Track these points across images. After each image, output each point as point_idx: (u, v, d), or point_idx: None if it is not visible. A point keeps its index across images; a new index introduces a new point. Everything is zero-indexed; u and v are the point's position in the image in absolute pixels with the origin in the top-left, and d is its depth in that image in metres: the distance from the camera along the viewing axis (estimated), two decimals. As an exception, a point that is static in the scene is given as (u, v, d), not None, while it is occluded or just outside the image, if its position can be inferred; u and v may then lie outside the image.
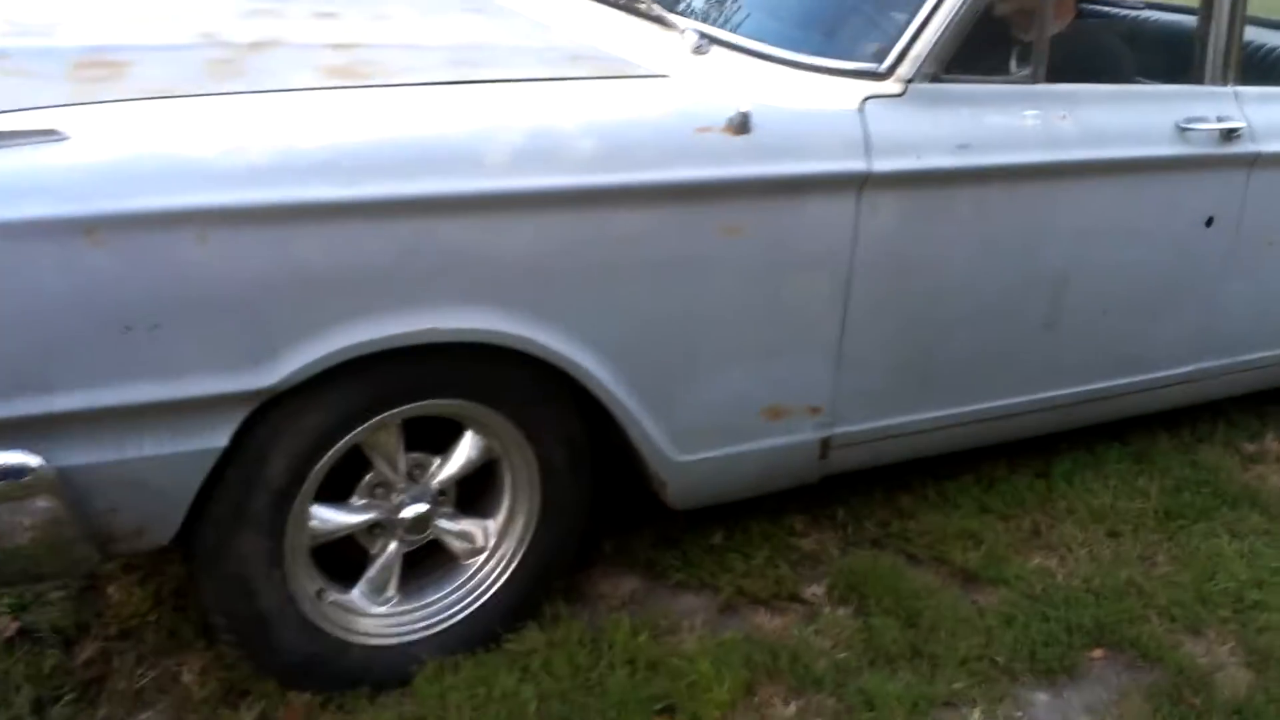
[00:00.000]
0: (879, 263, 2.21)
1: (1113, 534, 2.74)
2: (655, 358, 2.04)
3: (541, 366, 1.93)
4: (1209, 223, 2.64)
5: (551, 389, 1.99)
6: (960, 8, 2.21)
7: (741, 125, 2.00)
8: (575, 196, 1.86)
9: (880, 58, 2.19)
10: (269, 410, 1.74)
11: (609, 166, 1.88)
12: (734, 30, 2.33)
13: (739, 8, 2.44)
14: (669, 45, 2.27)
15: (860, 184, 2.12)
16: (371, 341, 1.73)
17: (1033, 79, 2.37)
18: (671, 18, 2.33)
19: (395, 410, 1.86)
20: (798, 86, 2.16)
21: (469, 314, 1.81)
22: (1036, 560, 2.61)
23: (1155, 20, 3.51)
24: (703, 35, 2.26)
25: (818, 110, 2.11)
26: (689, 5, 2.48)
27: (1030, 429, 2.73)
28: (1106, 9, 3.56)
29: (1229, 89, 2.65)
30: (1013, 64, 2.44)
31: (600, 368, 1.97)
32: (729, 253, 2.04)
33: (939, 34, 2.20)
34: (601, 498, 2.30)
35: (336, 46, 2.05)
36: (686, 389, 2.11)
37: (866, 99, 2.16)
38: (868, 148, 2.12)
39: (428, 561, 2.11)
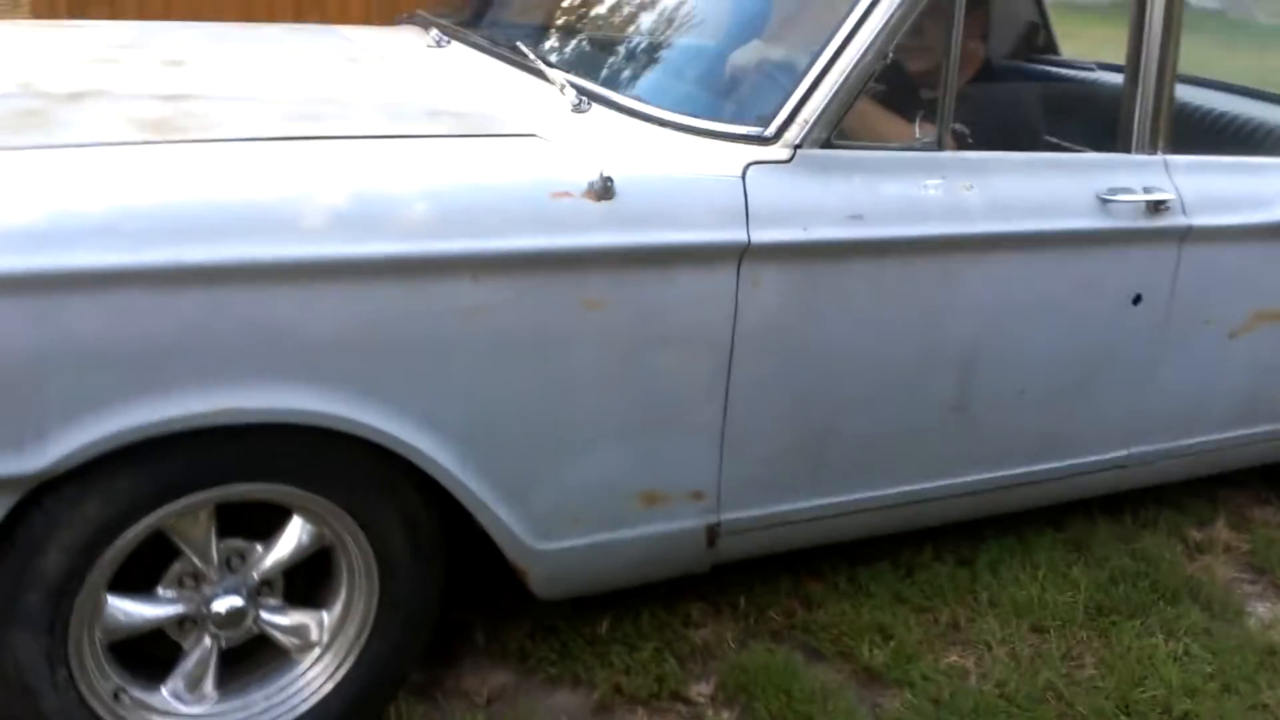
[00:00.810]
0: (763, 340, 2.00)
1: (1038, 629, 2.49)
2: (508, 440, 1.83)
3: (373, 449, 1.74)
4: (1136, 300, 2.42)
5: (387, 473, 1.77)
6: (853, 69, 2.02)
7: (603, 191, 1.81)
8: (404, 265, 1.65)
9: (767, 121, 2.00)
10: (44, 497, 1.54)
11: (444, 233, 1.68)
12: (619, 88, 2.15)
13: (629, 64, 2.26)
14: (552, 103, 2.10)
15: (739, 256, 1.92)
16: (155, 424, 1.52)
17: (937, 146, 2.18)
18: (552, 73, 2.15)
19: (197, 496, 1.65)
20: (678, 150, 1.96)
21: (276, 392, 1.60)
22: (951, 658, 2.36)
23: (1093, 82, 3.32)
24: (582, 93, 2.10)
25: (693, 176, 1.91)
26: (581, 61, 2.31)
27: (945, 516, 2.49)
28: (1039, 70, 3.37)
29: (1158, 158, 2.44)
30: (915, 130, 2.25)
31: (441, 451, 1.75)
32: (591, 328, 1.83)
33: (830, 96, 2.01)
34: (476, 583, 2.09)
35: (165, 98, 1.87)
36: (546, 473, 1.89)
37: (750, 165, 1.96)
38: (748, 217, 1.92)
39: (258, 655, 1.89)
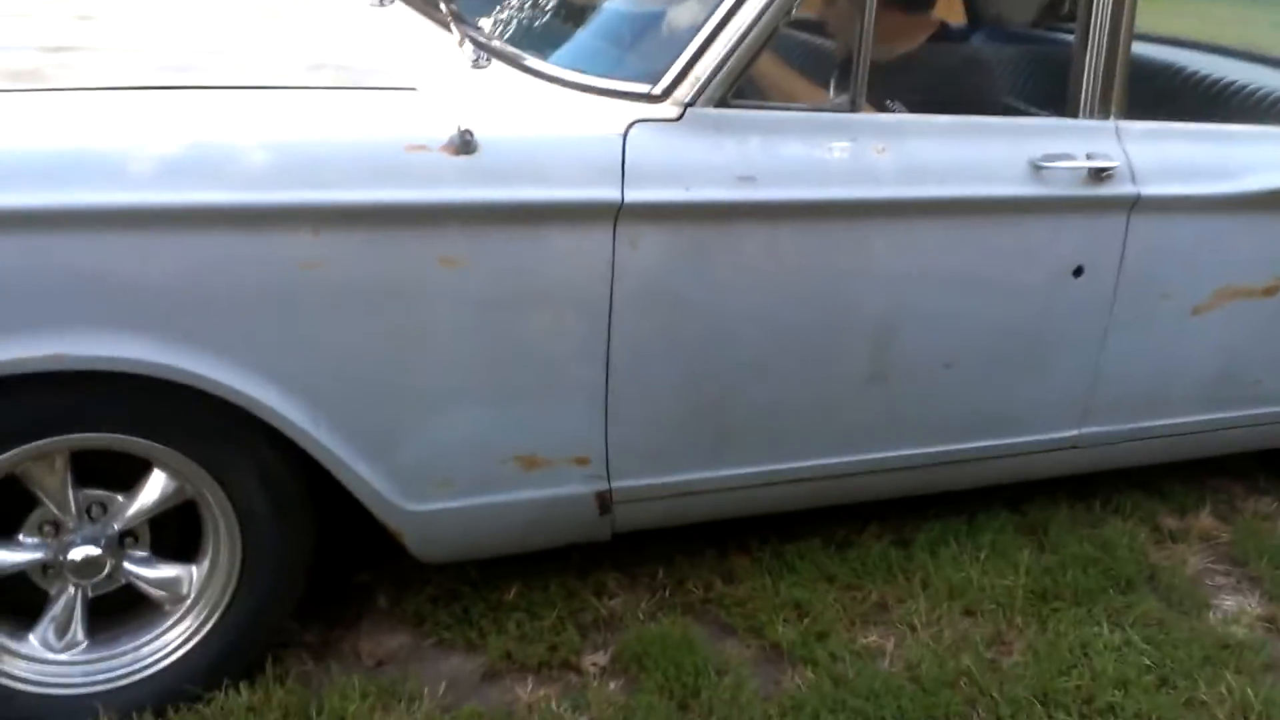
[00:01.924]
0: (646, 302, 1.87)
1: (969, 613, 2.30)
2: (363, 396, 1.74)
3: (219, 402, 1.67)
4: (1078, 272, 2.21)
5: (239, 427, 1.70)
6: (751, 25, 1.88)
7: (463, 145, 1.71)
8: (238, 215, 1.58)
9: (656, 79, 1.87)
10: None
11: (281, 183, 1.59)
12: (522, 45, 2.05)
13: (536, 22, 2.15)
14: (456, 59, 2.01)
15: (614, 215, 1.80)
16: (-20, 365, 1.49)
17: (850, 108, 2.03)
18: (457, 28, 2.06)
19: (43, 443, 1.60)
20: (564, 107, 1.85)
21: (105, 340, 1.54)
22: (870, 638, 2.20)
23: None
24: (483, 49, 2.00)
25: (567, 133, 1.79)
26: (501, 21, 2.20)
27: (870, 491, 2.33)
28: (1017, 35, 3.13)
29: (1108, 123, 2.22)
30: (829, 92, 2.10)
31: (287, 405, 1.68)
32: (449, 284, 1.73)
33: (725, 54, 1.87)
34: (384, 545, 2.02)
35: (49, 50, 1.82)
36: (409, 432, 1.80)
37: (634, 123, 1.83)
38: (624, 176, 1.80)
39: (137, 607, 1.84)
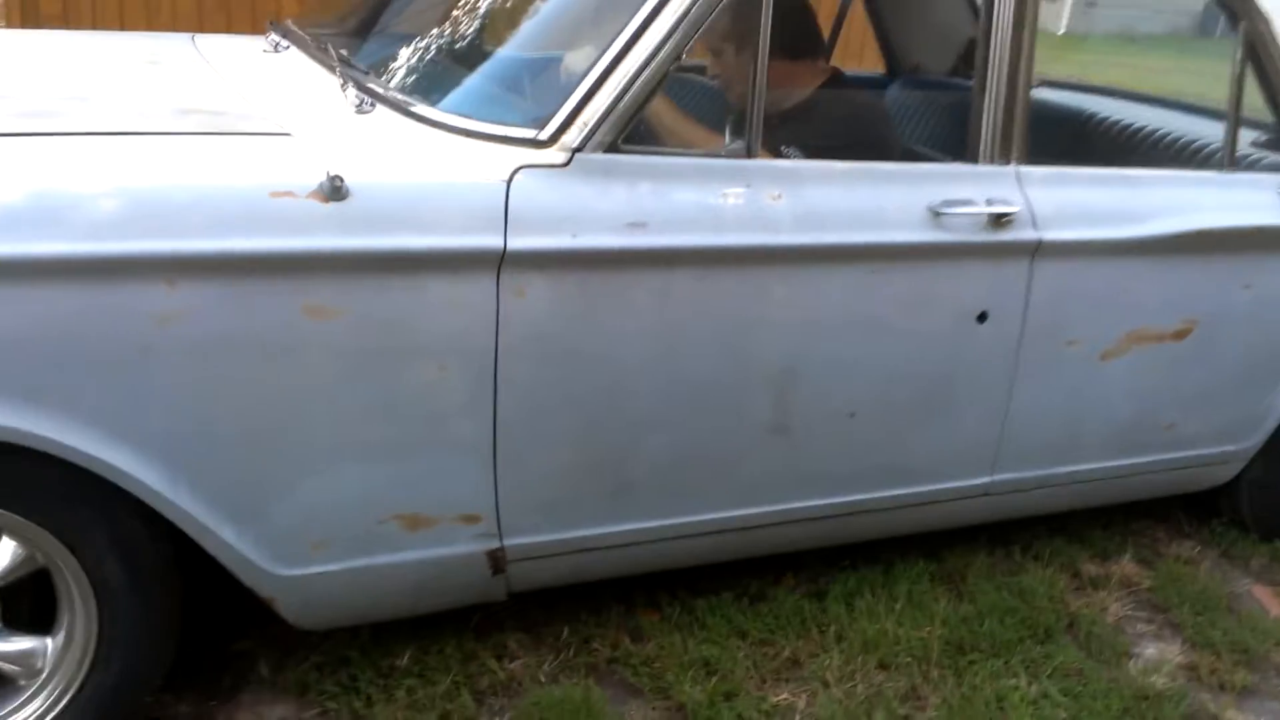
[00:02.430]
0: (534, 352, 1.78)
1: (884, 667, 2.21)
2: (228, 457, 1.63)
3: (69, 465, 1.55)
4: (982, 319, 2.16)
5: (93, 491, 1.58)
6: (641, 70, 1.81)
7: (333, 192, 1.62)
8: (85, 266, 1.47)
9: (543, 124, 1.80)
10: None
11: (134, 232, 1.49)
12: (407, 90, 1.96)
13: (425, 67, 2.06)
14: (340, 105, 1.93)
15: (497, 263, 1.72)
16: None
17: (746, 154, 1.97)
18: (341, 74, 1.98)
19: None
20: (448, 153, 1.77)
21: (-70, 400, 1.44)
22: (781, 696, 2.10)
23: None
24: (368, 94, 1.92)
25: (447, 180, 1.70)
26: (390, 65, 2.12)
27: (778, 544, 2.23)
28: (920, 81, 3.11)
29: (1009, 168, 2.18)
30: (725, 138, 2.03)
31: (144, 468, 1.55)
32: (318, 335, 1.62)
33: (614, 99, 1.80)
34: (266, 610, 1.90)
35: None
36: (280, 493, 1.68)
37: (519, 169, 1.76)
38: (506, 223, 1.72)
39: (-6, 682, 1.72)
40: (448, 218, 1.69)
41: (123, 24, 5.43)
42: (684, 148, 2.02)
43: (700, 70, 2.52)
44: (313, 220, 1.60)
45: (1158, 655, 2.37)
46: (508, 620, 2.20)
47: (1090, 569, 2.65)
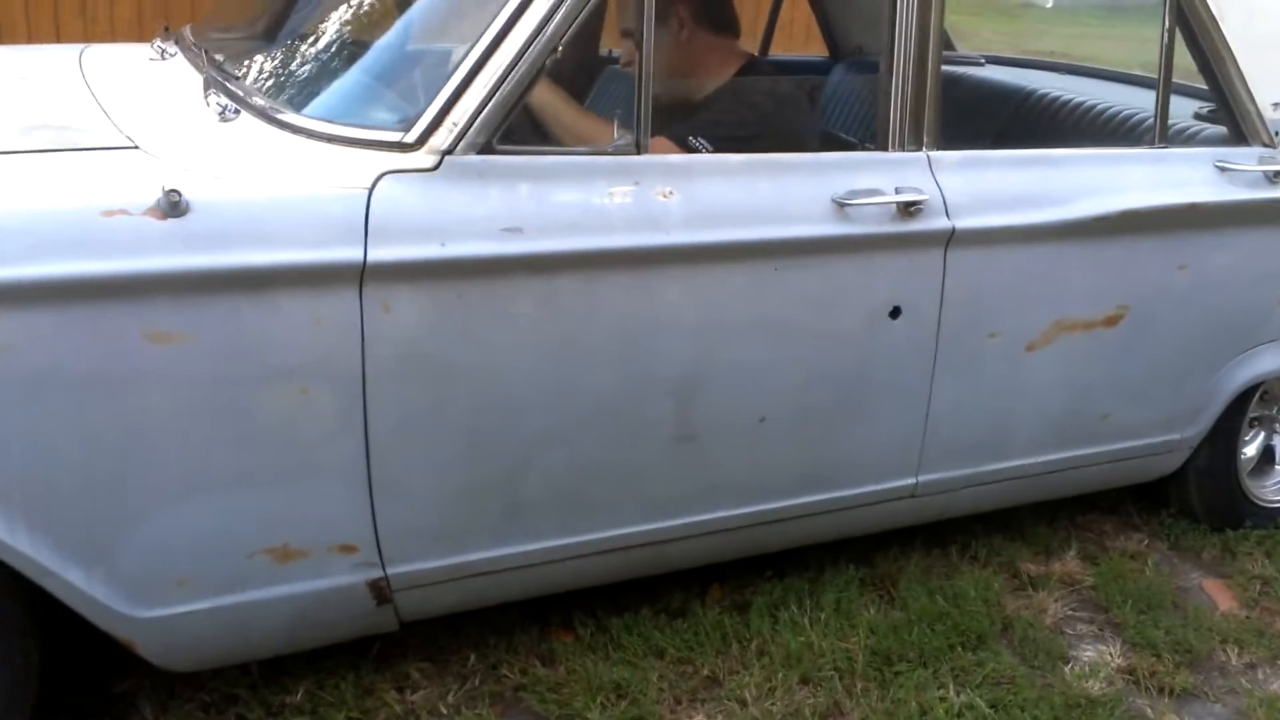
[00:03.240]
0: (407, 371, 1.69)
1: (807, 682, 2.12)
2: (71, 496, 1.52)
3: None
4: (895, 314, 2.08)
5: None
6: (513, 65, 1.72)
7: (170, 208, 1.52)
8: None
9: (409, 126, 1.71)
10: None
11: (-59, 261, 1.41)
12: (278, 95, 1.87)
13: (296, 71, 1.97)
14: (206, 112, 1.83)
15: (358, 278, 1.63)
16: None
17: (635, 150, 1.88)
18: (210, 80, 1.89)
19: None
20: (312, 161, 1.67)
21: None
22: (695, 718, 2.02)
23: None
24: (234, 100, 1.83)
25: (299, 191, 1.61)
26: (263, 72, 2.02)
27: (693, 558, 2.15)
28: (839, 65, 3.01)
29: (920, 155, 2.08)
30: (613, 133, 1.94)
31: (-26, 509, 1.48)
32: (162, 363, 1.52)
33: (485, 96, 1.71)
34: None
35: None
36: (132, 531, 1.58)
37: (383, 175, 1.66)
38: (366, 234, 1.62)
39: None
40: (301, 231, 1.59)
41: (58, 35, 5.30)
42: (579, 145, 1.94)
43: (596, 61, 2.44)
44: (148, 239, 1.50)
45: (1096, 658, 2.30)
46: (412, 648, 2.11)
47: (1030, 568, 2.57)
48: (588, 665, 2.10)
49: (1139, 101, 2.76)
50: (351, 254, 1.60)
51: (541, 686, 2.05)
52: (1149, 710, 2.15)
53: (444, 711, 1.99)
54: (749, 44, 3.59)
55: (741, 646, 2.19)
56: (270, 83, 1.94)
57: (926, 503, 2.30)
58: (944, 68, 3.33)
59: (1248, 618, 2.47)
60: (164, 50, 2.29)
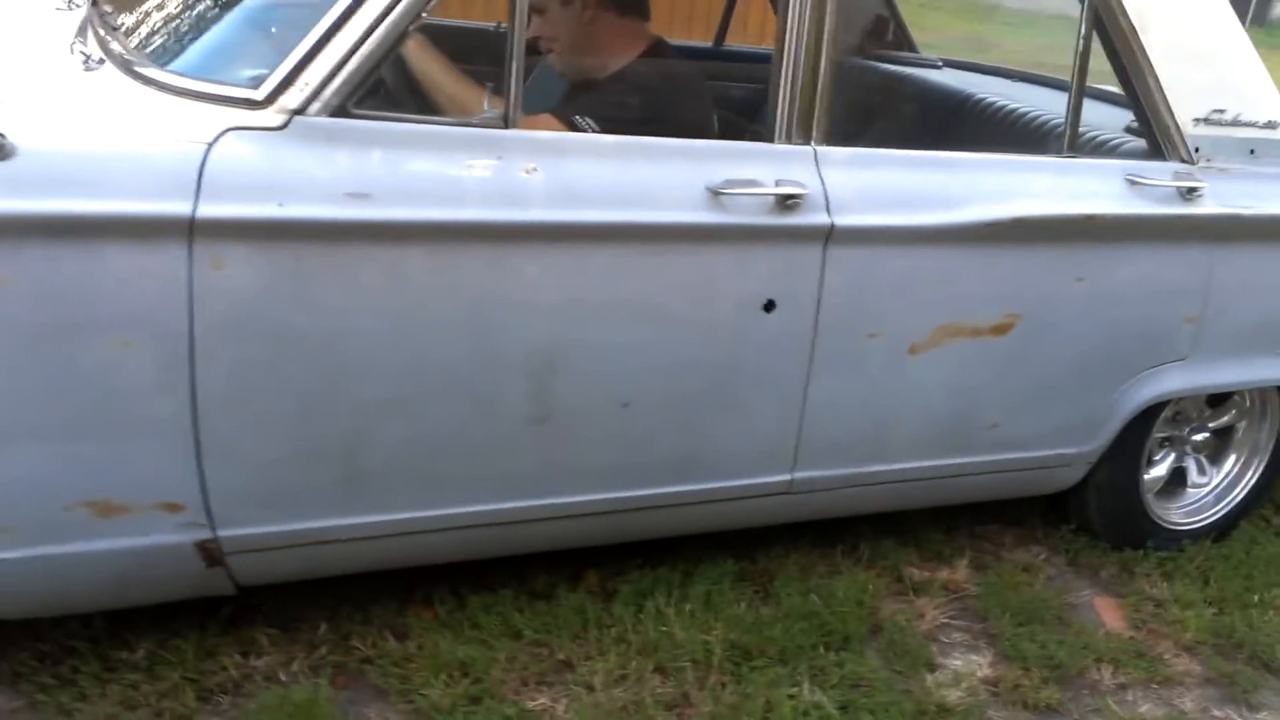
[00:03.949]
0: (239, 330, 1.66)
1: (660, 671, 2.10)
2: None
3: None
4: (769, 307, 2.04)
5: None
6: (373, 27, 1.70)
7: (-4, 151, 1.51)
8: None
9: (259, 84, 1.69)
10: None
11: None
12: (145, 47, 1.85)
13: (168, 23, 1.95)
14: (73, 62, 1.81)
15: (187, 232, 1.60)
16: None
17: (504, 123, 1.85)
18: (80, 29, 1.87)
19: None
20: (159, 113, 1.65)
21: None
22: (539, 700, 1.98)
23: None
24: (107, 51, 1.80)
25: (132, 143, 1.58)
26: (138, 18, 2.01)
27: (547, 541, 2.12)
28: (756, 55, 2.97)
29: (806, 148, 2.05)
30: (484, 104, 1.91)
31: None
32: (-11, 306, 1.53)
33: (342, 58, 1.68)
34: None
35: None
36: (-59, 474, 1.59)
37: (227, 131, 1.64)
38: (199, 189, 1.59)
39: None
40: (129, 181, 1.56)
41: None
42: (452, 112, 1.92)
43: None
44: (-31, 182, 1.48)
45: (962, 667, 2.27)
46: (264, 613, 2.09)
47: (915, 573, 2.54)
48: (439, 642, 2.08)
49: (1088, 112, 2.73)
50: (179, 208, 1.57)
51: (386, 660, 2.03)
52: (1003, 723, 2.14)
53: (283, 679, 1.97)
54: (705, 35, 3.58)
55: (600, 633, 2.17)
56: (143, 36, 1.91)
57: (804, 500, 2.27)
58: (887, 67, 3.39)
59: (1131, 638, 2.44)
60: (70, 2, 2.27)
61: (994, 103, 2.88)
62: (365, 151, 1.72)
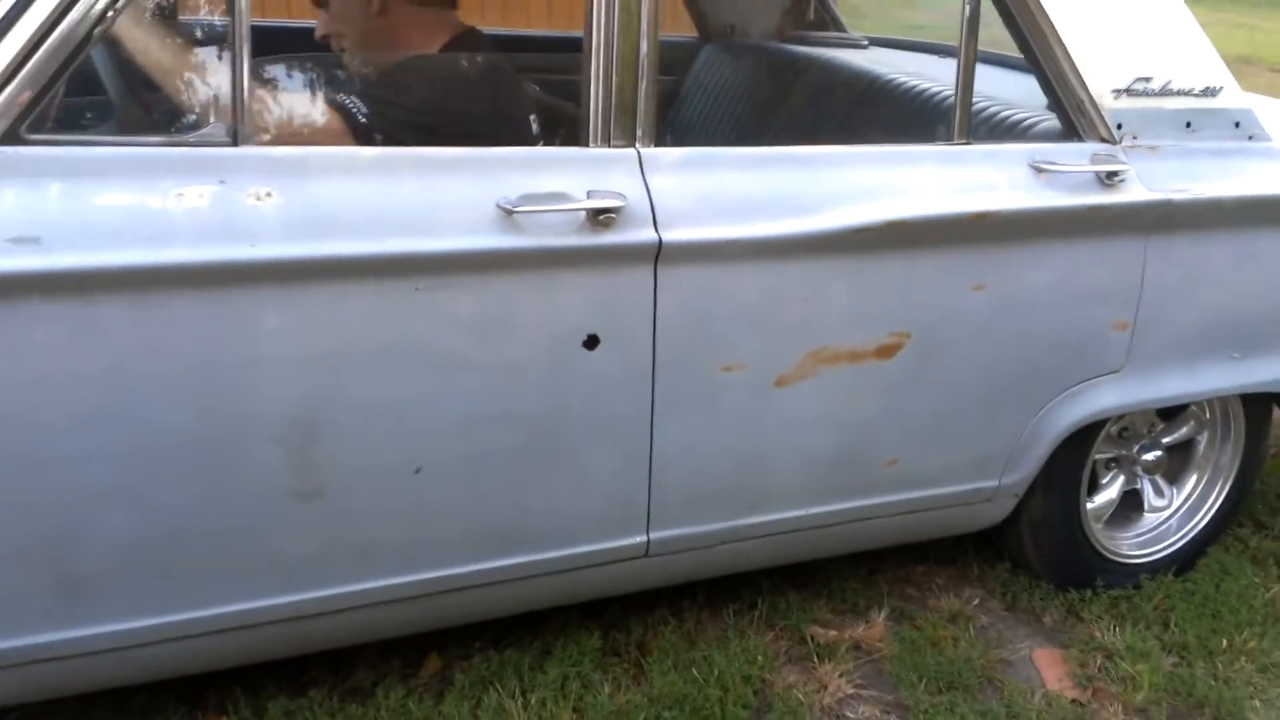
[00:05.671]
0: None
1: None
2: None
3: None
4: (591, 344, 1.68)
5: None
6: (41, 41, 1.36)
7: None
8: None
9: (-101, 108, 1.36)
10: None
11: None
12: None
13: None
14: None
15: None
16: None
17: (230, 140, 1.50)
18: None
19: None
20: None
21: None
22: (336, 833, 1.67)
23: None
24: None
25: None
26: None
27: (354, 634, 1.74)
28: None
29: (629, 152, 1.68)
30: (211, 119, 1.57)
31: None
32: None
33: (8, 72, 1.37)
34: None
35: None
36: None
37: None
38: None
39: None
40: None
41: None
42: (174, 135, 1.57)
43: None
44: None
45: (866, 752, 1.91)
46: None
47: (820, 632, 2.15)
48: (229, 755, 1.74)
49: (1007, 88, 2.35)
50: None
51: (158, 787, 1.70)
52: (902, 827, 1.76)
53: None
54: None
55: (422, 730, 1.82)
56: None
57: (668, 562, 1.90)
58: (787, 47, 3.02)
59: (1074, 701, 2.04)
60: None
61: (903, 84, 2.50)
62: (40, 186, 1.36)
